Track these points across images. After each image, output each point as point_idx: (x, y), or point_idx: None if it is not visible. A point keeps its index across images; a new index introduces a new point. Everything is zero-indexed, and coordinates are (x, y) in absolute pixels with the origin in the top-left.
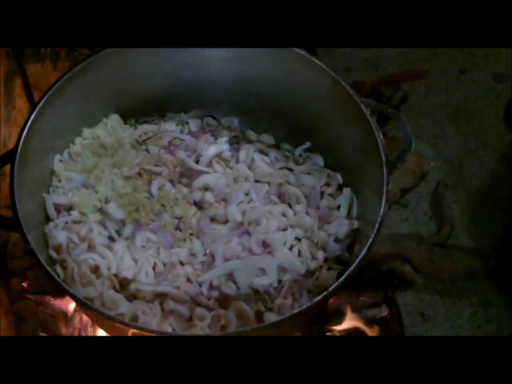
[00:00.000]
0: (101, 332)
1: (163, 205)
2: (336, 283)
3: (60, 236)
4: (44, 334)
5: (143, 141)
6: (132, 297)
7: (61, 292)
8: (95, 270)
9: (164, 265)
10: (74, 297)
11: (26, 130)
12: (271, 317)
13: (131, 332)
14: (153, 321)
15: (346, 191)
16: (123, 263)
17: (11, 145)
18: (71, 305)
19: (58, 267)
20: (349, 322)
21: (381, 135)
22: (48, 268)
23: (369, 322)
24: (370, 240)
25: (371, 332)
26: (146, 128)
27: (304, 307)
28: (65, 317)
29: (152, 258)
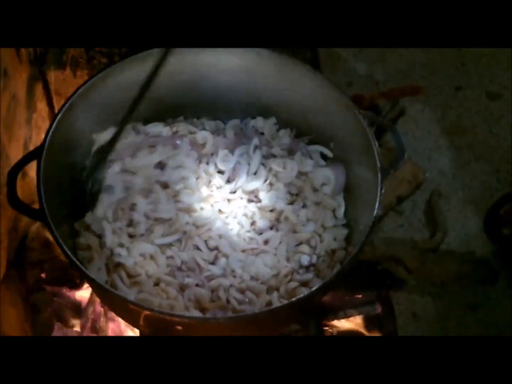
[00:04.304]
0: (111, 324)
1: None
2: (330, 277)
3: None
4: (58, 324)
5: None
6: None
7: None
8: None
9: None
10: (92, 281)
11: (52, 129)
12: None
13: (144, 314)
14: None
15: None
16: None
17: (31, 146)
18: (86, 296)
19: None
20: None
21: (376, 144)
22: (72, 256)
23: (364, 319)
24: (364, 237)
25: (365, 328)
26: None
27: (300, 296)
28: (79, 308)
29: None
